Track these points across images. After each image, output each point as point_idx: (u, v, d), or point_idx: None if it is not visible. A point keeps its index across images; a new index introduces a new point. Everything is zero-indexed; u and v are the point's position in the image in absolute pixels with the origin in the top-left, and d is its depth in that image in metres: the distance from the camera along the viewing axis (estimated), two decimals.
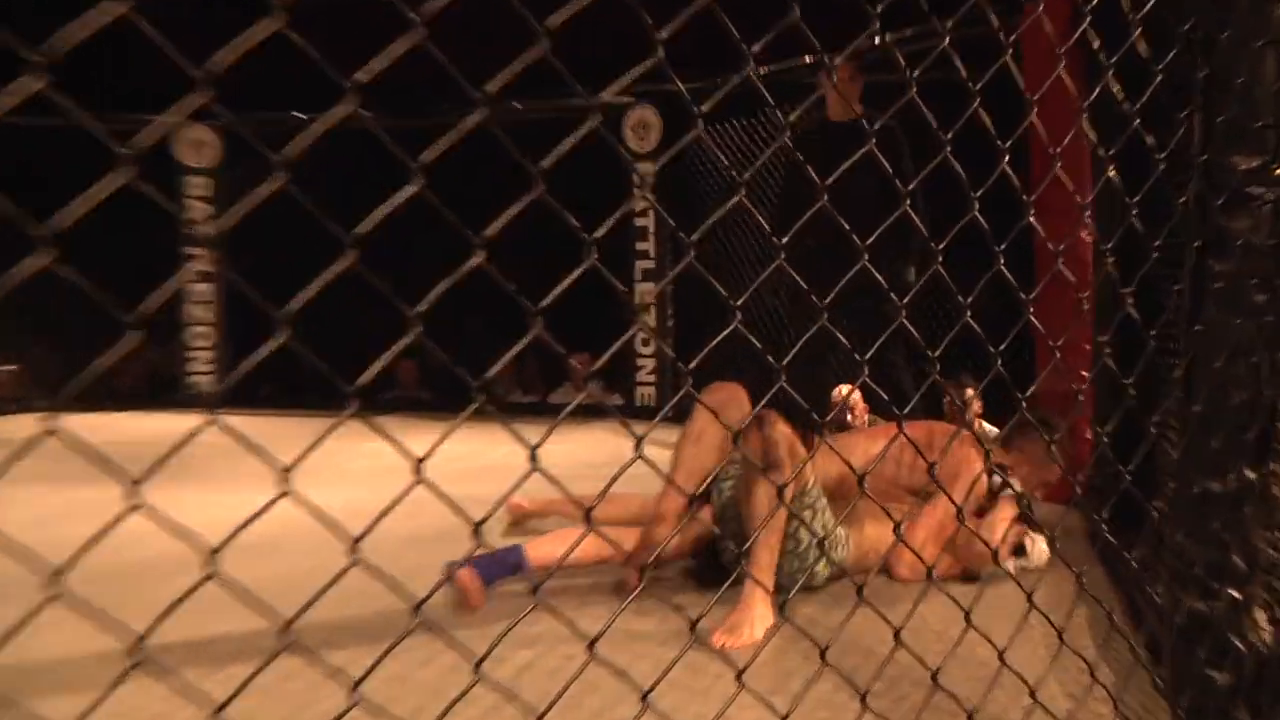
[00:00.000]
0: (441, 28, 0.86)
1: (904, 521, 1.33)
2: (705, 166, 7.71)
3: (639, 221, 7.79)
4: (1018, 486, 3.18)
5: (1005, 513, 3.05)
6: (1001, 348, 1.46)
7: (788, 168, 5.10)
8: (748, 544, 2.54)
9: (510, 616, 1.01)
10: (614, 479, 1.08)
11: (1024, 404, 1.51)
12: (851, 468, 1.37)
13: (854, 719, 1.47)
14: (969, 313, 1.40)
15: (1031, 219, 1.48)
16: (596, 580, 2.93)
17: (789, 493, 2.64)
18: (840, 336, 1.29)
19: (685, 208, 7.56)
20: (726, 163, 7.30)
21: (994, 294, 1.50)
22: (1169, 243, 1.80)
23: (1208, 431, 1.81)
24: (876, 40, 3.78)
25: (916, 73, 1.28)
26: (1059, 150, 1.49)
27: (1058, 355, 1.56)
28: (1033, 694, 1.60)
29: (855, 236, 1.21)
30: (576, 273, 0.97)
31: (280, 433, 3.88)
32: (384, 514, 0.90)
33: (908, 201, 1.28)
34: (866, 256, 1.27)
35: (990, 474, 3.10)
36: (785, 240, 1.19)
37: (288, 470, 0.80)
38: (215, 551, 0.79)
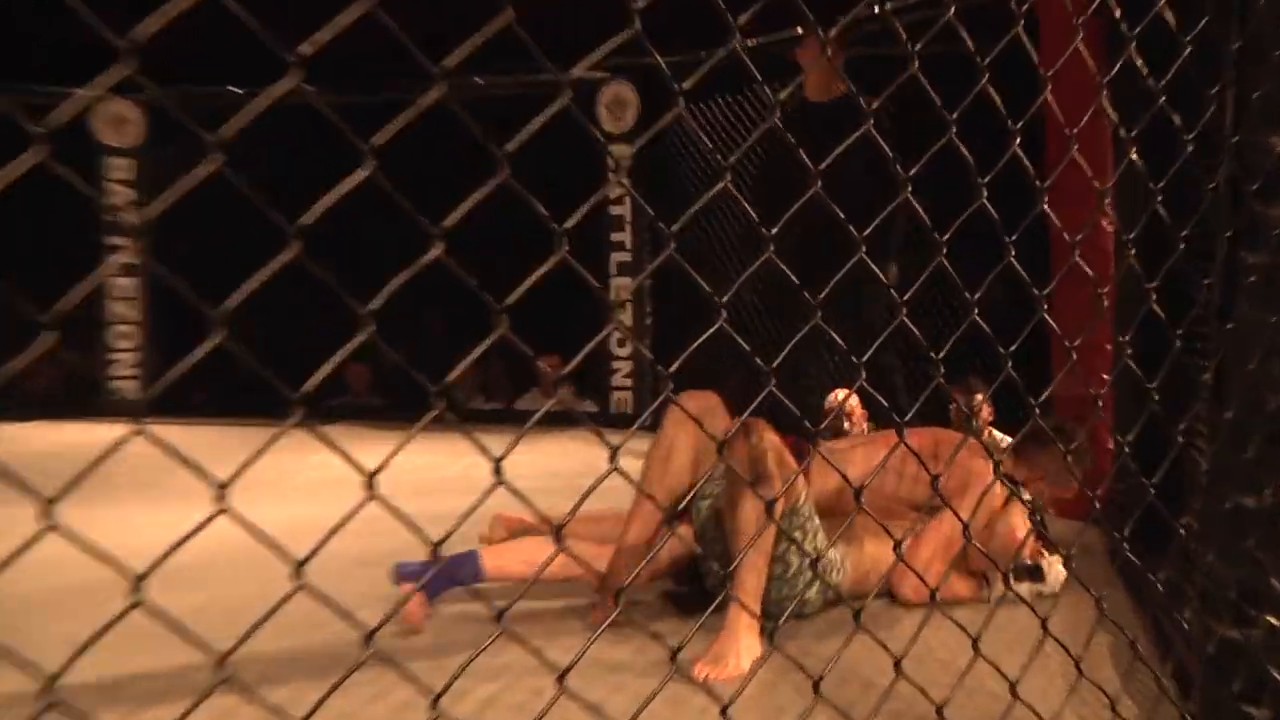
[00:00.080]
0: None
1: (906, 538, 1.33)
2: (687, 149, 7.71)
3: (614, 210, 7.79)
4: (1028, 499, 3.20)
5: (1017, 518, 3.06)
6: (1013, 348, 1.47)
7: (763, 152, 5.11)
8: (732, 566, 2.54)
9: (472, 645, 1.01)
10: (587, 493, 1.08)
11: (1037, 410, 1.52)
12: (848, 480, 1.38)
13: None
14: (975, 310, 1.41)
15: (1045, 206, 1.49)
16: (569, 603, 2.93)
17: (778, 509, 2.65)
18: (835, 335, 1.29)
19: (665, 194, 7.56)
20: (710, 145, 7.31)
21: (1007, 290, 1.51)
22: (1197, 232, 1.82)
23: (1240, 440, 1.83)
24: (875, 9, 3.79)
25: (919, 46, 1.29)
26: (1076, 131, 1.51)
27: (1073, 357, 1.57)
28: None
29: (834, 229, 1.22)
30: (545, 266, 0.97)
31: (216, 444, 3.85)
32: (332, 533, 0.90)
33: (871, 192, 1.28)
34: (864, 249, 1.28)
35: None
36: (760, 233, 1.19)
37: (224, 485, 0.80)
38: (142, 577, 0.79)
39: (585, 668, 2.40)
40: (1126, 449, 1.81)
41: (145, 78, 0.74)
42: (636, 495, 2.79)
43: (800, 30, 4.81)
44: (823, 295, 1.22)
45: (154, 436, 0.78)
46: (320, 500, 3.63)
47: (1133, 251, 1.78)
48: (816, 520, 2.79)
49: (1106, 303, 1.85)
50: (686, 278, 1.12)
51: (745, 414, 1.30)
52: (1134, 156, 1.70)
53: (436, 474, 4.47)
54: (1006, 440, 4.57)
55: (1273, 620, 1.63)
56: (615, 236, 7.85)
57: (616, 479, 1.07)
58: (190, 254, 5.54)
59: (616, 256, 7.85)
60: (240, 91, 7.55)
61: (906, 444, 1.42)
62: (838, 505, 3.01)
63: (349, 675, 0.92)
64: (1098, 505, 1.81)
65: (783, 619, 2.63)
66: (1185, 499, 2.32)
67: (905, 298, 1.34)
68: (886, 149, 1.32)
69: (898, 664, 1.39)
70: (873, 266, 1.31)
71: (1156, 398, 1.72)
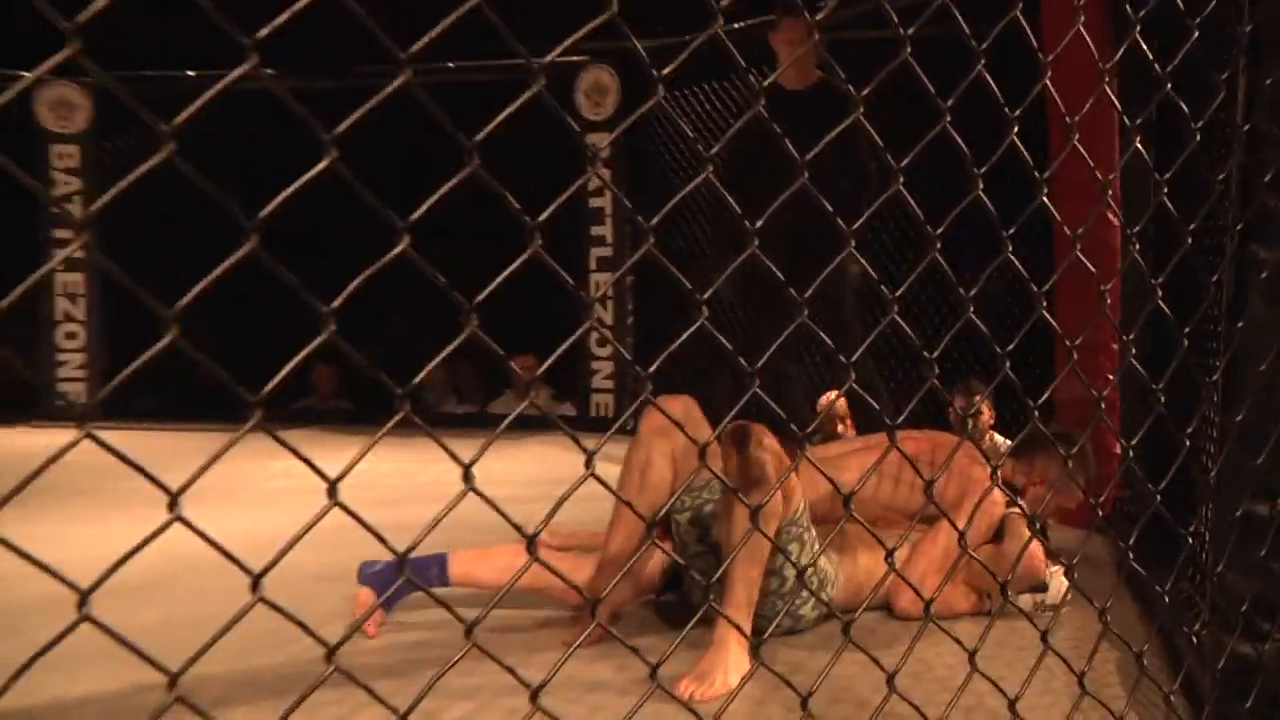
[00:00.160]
0: None
1: (899, 546, 1.34)
2: (670, 139, 7.71)
3: (594, 202, 7.77)
4: (1029, 508, 3.20)
5: (1018, 528, 3.08)
6: (1010, 348, 1.48)
7: (734, 140, 5.10)
8: (715, 576, 2.54)
9: (442, 662, 1.01)
10: (562, 500, 1.08)
11: (1036, 414, 1.53)
12: (837, 487, 1.38)
13: None
14: (971, 308, 1.42)
15: (1046, 199, 1.50)
16: (549, 614, 2.93)
17: (777, 520, 2.64)
18: (820, 333, 1.30)
19: (648, 186, 7.56)
20: (692, 134, 7.30)
21: (1010, 288, 1.52)
22: (1206, 226, 1.83)
23: (1251, 445, 1.85)
24: None
25: (912, 30, 1.30)
26: (1077, 120, 1.52)
27: (1074, 357, 1.58)
28: None
29: (805, 222, 1.22)
30: (517, 262, 0.97)
31: (170, 451, 3.84)
32: (292, 544, 0.90)
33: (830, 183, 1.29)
34: (852, 242, 1.28)
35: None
36: (743, 226, 1.19)
37: (178, 494, 0.80)
38: (88, 591, 0.78)
39: (565, 686, 2.42)
40: (1131, 453, 1.82)
41: (92, 61, 0.74)
42: (616, 505, 2.78)
43: (774, 15, 4.79)
44: (808, 294, 1.23)
45: (103, 442, 0.78)
46: (284, 510, 3.62)
47: (1136, 246, 1.80)
48: (814, 531, 2.79)
49: (1110, 300, 1.86)
50: (668, 274, 1.12)
51: (728, 419, 1.31)
52: (1139, 146, 1.72)
53: (406, 481, 4.47)
54: (1007, 444, 4.59)
55: None
56: (595, 230, 7.83)
57: (595, 486, 1.07)
58: (142, 249, 5.50)
59: (596, 251, 7.84)
60: (194, 74, 7.52)
61: (900, 449, 1.42)
62: (829, 513, 3.02)
63: (310, 693, 0.92)
64: (1100, 513, 1.82)
65: (766, 634, 2.63)
66: (1194, 506, 2.34)
67: (897, 294, 1.35)
68: (875, 137, 1.33)
69: (890, 679, 1.39)
70: (862, 262, 1.32)
71: (1163, 400, 1.74)
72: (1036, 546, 3.02)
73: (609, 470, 1.04)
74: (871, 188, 4.32)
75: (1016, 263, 1.46)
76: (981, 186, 1.40)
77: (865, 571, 2.97)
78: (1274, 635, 1.91)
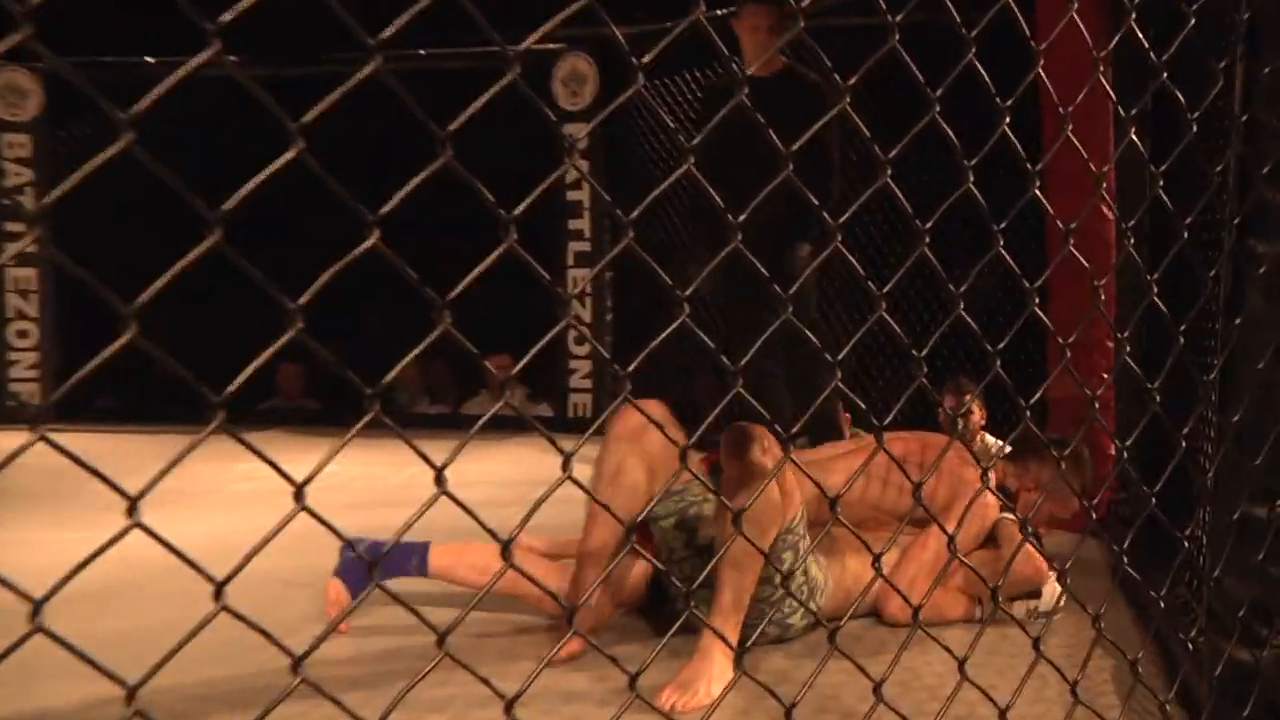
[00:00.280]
0: None
1: (886, 550, 1.35)
2: (650, 129, 7.69)
3: (572, 195, 7.75)
4: (1021, 513, 3.21)
5: (1013, 533, 3.09)
6: (1001, 345, 1.48)
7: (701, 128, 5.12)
8: (697, 582, 2.54)
9: (413, 671, 1.01)
10: (538, 503, 1.08)
11: (1028, 414, 1.53)
12: (823, 490, 1.38)
13: None
14: (960, 304, 1.42)
15: (1038, 192, 1.50)
16: (528, 620, 2.93)
17: (777, 528, 2.64)
18: (808, 332, 1.30)
19: (627, 178, 7.55)
20: (673, 124, 7.28)
21: (1001, 283, 1.52)
22: (1203, 219, 1.84)
23: (1249, 445, 1.86)
24: None
25: (900, 17, 1.30)
26: (1071, 110, 1.52)
27: (1067, 354, 1.59)
28: None
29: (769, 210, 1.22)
30: (491, 257, 0.97)
31: (127, 452, 3.82)
32: (256, 550, 0.89)
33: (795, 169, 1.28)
34: (839, 238, 1.29)
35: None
36: (726, 220, 1.19)
37: (137, 498, 0.79)
38: (42, 601, 0.78)
39: (539, 697, 2.41)
40: (1126, 455, 1.83)
41: (44, 45, 0.74)
42: (589, 511, 2.77)
43: (737, 1, 4.83)
44: (793, 290, 1.23)
45: (57, 445, 0.78)
46: (250, 514, 3.61)
47: (1131, 240, 1.80)
48: (809, 539, 2.79)
49: (1104, 296, 1.87)
50: (648, 269, 1.12)
51: (710, 417, 1.30)
52: (1134, 137, 1.72)
53: (377, 484, 4.46)
54: (999, 445, 4.61)
55: None
56: (573, 224, 7.81)
57: (574, 488, 1.07)
58: (98, 242, 5.47)
59: (574, 246, 7.81)
60: (153, 60, 7.47)
61: (887, 450, 1.42)
62: (817, 516, 3.02)
63: (275, 705, 0.92)
64: (1094, 516, 1.83)
65: (749, 642, 2.63)
66: (1191, 509, 2.35)
67: (885, 290, 1.35)
68: (862, 127, 1.33)
69: (877, 688, 1.40)
70: (850, 258, 1.32)
71: (1159, 399, 1.74)
72: (1035, 555, 3.03)
73: (587, 473, 1.04)
74: (834, 176, 4.36)
75: (1008, 257, 1.46)
76: (972, 179, 1.41)
77: (854, 576, 2.97)
78: (1272, 641, 1.92)
